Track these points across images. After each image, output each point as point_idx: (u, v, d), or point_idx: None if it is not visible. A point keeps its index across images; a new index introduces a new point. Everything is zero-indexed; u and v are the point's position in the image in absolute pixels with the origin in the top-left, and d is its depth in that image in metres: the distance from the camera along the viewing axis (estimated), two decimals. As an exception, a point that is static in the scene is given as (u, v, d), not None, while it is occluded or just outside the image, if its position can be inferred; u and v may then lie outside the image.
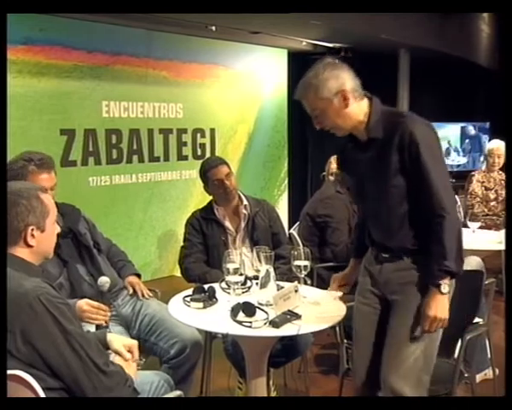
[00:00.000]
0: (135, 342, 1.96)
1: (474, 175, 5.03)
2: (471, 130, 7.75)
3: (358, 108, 2.02)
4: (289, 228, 4.09)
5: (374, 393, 2.13)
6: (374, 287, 2.21)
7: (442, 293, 1.96)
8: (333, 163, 4.27)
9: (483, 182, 4.95)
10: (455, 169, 7.61)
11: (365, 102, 2.03)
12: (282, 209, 6.70)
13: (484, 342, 3.08)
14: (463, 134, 7.78)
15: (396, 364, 2.05)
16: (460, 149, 7.74)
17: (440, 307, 1.97)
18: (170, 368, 2.50)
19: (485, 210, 4.84)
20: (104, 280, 2.32)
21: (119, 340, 1.94)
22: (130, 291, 2.73)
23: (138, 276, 2.82)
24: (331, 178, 3.97)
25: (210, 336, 2.82)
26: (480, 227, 3.96)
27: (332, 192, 3.62)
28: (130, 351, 1.90)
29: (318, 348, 3.79)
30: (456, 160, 7.70)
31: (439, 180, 1.95)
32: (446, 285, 1.96)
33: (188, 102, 5.73)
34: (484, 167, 5.14)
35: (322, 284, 3.16)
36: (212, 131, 6.02)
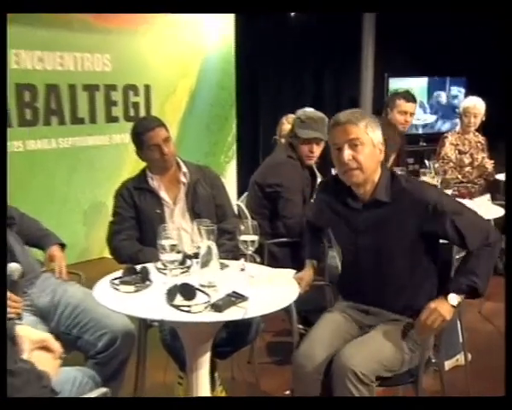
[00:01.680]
0: (48, 336, 1.92)
1: (446, 137, 5.12)
2: (442, 84, 7.74)
3: (377, 173, 2.38)
4: (238, 200, 4.09)
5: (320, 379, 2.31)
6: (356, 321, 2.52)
7: (449, 302, 2.26)
8: (285, 124, 4.30)
9: (457, 145, 5.05)
10: (420, 131, 7.66)
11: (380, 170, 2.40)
12: (230, 178, 6.71)
13: (455, 324, 3.18)
14: (431, 88, 7.67)
15: (362, 350, 2.26)
16: (427, 105, 7.73)
17: (444, 307, 2.25)
18: (97, 364, 2.49)
19: (459, 177, 4.95)
20: (14, 268, 2.29)
21: (29, 333, 1.89)
22: (49, 267, 2.70)
23: (62, 246, 2.82)
24: (283, 141, 3.98)
25: (144, 325, 2.81)
26: (452, 195, 4.05)
27: (283, 158, 3.63)
28: (45, 346, 1.87)
29: (271, 336, 3.84)
30: (422, 118, 7.70)
31: (475, 222, 2.35)
32: (455, 299, 2.26)
33: (117, 52, 5.63)
34: (458, 128, 5.24)
35: (274, 261, 3.20)
36: (147, 87, 5.94)
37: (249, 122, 7.11)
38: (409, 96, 4.34)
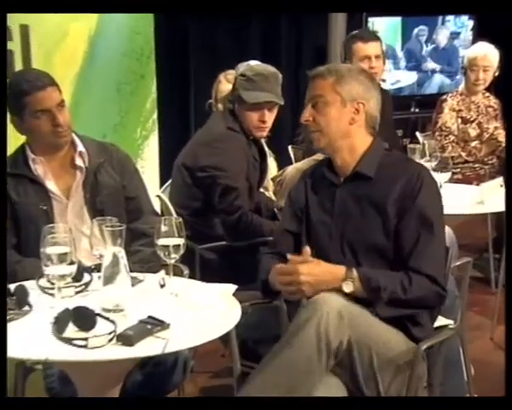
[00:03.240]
0: None
1: (445, 101, 5.16)
2: (431, 21, 7.50)
3: (360, 140, 2.66)
4: (160, 189, 4.09)
5: None
6: None
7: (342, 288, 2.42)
8: (223, 83, 4.29)
9: (459, 111, 5.10)
10: (410, 92, 7.43)
11: (369, 140, 2.68)
12: (150, 160, 6.68)
13: (457, 355, 3.21)
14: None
15: None
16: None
17: (321, 270, 2.45)
18: None
19: (463, 154, 5.01)
20: None
21: None
22: None
23: None
24: (220, 106, 3.98)
25: (23, 370, 2.79)
26: (455, 180, 4.10)
27: (221, 130, 3.65)
28: None
29: (208, 378, 3.89)
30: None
31: (436, 254, 2.54)
32: (351, 284, 2.42)
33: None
34: (461, 88, 5.29)
35: (209, 273, 3.21)
36: (25, 29, 5.84)
37: (175, 81, 7.09)
38: (365, 35, 4.47)
